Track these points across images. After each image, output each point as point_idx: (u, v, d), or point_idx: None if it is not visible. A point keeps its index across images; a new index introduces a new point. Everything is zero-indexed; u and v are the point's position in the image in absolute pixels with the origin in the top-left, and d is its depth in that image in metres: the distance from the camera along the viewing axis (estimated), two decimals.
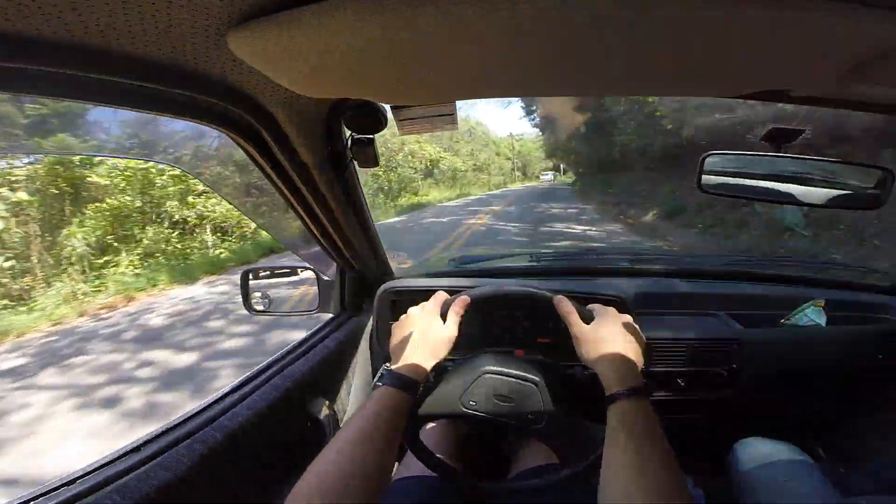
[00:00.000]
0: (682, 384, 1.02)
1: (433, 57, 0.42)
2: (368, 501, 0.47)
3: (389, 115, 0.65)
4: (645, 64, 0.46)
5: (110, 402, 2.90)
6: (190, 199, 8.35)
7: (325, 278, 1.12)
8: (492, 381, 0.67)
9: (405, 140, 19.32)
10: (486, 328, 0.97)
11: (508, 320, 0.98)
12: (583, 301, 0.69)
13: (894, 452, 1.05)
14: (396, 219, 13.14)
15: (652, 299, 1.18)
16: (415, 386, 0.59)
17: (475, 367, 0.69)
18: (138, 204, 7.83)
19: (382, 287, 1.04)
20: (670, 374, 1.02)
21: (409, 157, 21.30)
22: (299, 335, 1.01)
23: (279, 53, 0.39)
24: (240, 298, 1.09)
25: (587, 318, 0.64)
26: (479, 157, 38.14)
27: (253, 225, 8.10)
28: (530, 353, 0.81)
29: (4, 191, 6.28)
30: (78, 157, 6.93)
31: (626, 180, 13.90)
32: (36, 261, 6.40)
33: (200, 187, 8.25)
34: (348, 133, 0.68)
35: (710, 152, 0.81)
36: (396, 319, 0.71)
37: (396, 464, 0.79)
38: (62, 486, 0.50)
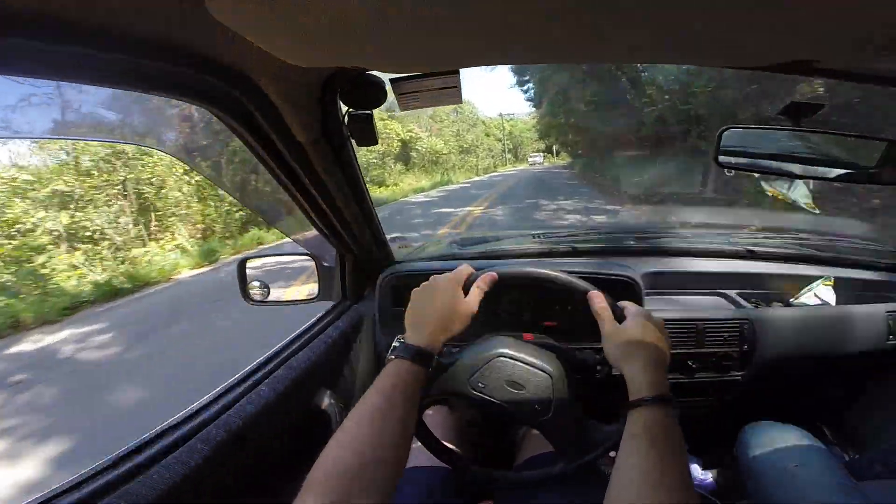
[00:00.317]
0: (693, 366, 1.00)
1: (432, 17, 0.37)
2: (388, 482, 0.45)
3: (389, 89, 0.61)
4: (666, 30, 0.42)
5: None
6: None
7: (325, 265, 1.08)
8: (504, 365, 0.65)
9: None
10: (491, 309, 0.94)
11: (516, 303, 0.96)
12: (593, 282, 0.66)
13: None
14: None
15: (659, 279, 1.15)
16: (430, 359, 0.56)
17: (488, 349, 0.66)
18: None
19: (386, 271, 1.01)
20: (680, 355, 1.00)
21: None
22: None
23: (264, 14, 0.35)
24: None
25: (619, 317, 0.62)
26: (465, 138, 35.28)
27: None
28: (539, 338, 0.79)
29: None
30: None
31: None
32: None
33: None
34: (345, 109, 0.64)
35: (728, 126, 0.78)
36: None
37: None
38: (59, 494, 0.48)
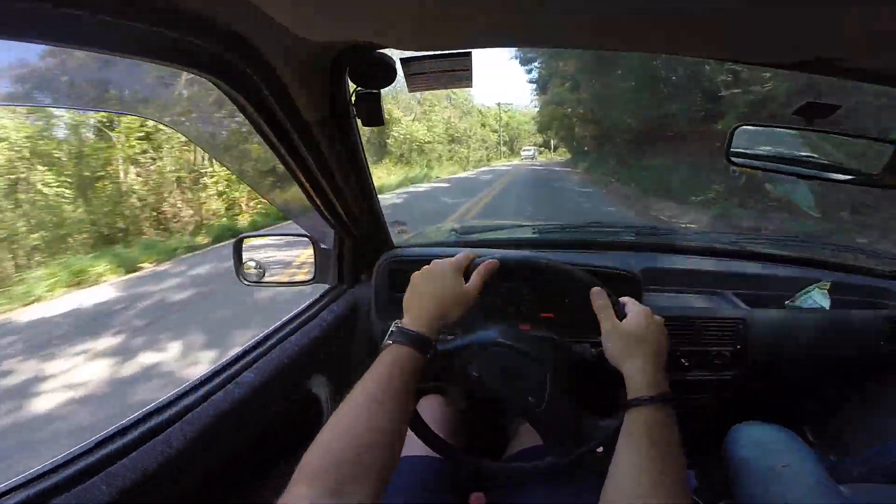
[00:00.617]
0: (686, 363, 1.01)
1: None
2: (383, 470, 0.44)
3: (399, 69, 0.58)
4: (694, 22, 0.40)
5: None
6: None
7: (323, 247, 1.07)
8: (501, 354, 0.64)
9: None
10: (489, 298, 0.94)
11: (514, 293, 0.95)
12: (592, 275, 0.65)
13: (887, 440, 1.06)
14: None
15: (658, 274, 1.15)
16: (429, 345, 0.55)
17: (486, 337, 0.65)
18: None
19: (384, 256, 1.00)
20: (673, 352, 1.01)
21: None
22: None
23: None
24: None
25: (620, 315, 0.61)
26: (457, 127, 31.97)
27: None
28: (535, 329, 0.78)
29: None
30: None
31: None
32: None
33: None
34: (352, 88, 0.61)
35: (740, 124, 0.77)
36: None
37: None
38: (40, 476, 0.47)
